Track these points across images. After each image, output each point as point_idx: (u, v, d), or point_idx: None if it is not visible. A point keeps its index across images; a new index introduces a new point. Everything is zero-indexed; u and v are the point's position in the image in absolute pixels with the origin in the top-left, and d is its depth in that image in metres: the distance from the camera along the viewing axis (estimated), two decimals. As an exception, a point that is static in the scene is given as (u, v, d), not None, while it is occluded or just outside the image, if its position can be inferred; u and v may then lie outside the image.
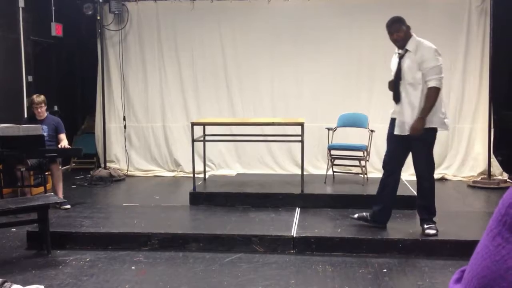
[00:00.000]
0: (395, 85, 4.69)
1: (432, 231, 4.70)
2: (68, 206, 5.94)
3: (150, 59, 8.28)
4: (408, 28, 4.69)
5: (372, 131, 6.76)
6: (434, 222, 4.78)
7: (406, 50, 4.64)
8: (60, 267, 4.36)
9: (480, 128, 7.74)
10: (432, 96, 4.50)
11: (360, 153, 6.69)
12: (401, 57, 4.67)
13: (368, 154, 6.72)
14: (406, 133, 4.60)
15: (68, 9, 8.06)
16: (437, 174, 7.83)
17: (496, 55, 7.31)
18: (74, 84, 9.24)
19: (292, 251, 4.71)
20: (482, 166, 7.70)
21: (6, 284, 3.65)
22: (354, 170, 7.03)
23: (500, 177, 7.53)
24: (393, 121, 4.77)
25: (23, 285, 3.73)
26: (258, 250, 4.72)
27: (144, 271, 4.27)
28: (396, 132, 4.70)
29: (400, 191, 6.04)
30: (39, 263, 4.47)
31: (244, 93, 8.12)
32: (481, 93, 7.69)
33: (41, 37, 8.02)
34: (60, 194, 6.04)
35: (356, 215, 5.04)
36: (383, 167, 4.97)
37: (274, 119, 6.87)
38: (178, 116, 8.30)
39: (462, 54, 7.72)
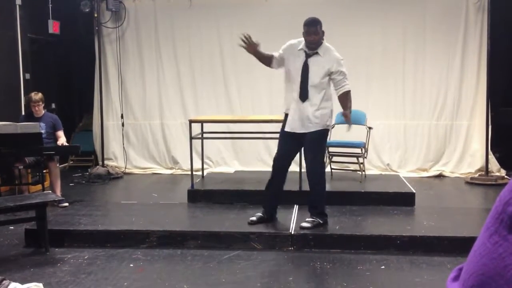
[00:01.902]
0: (303, 85, 4.76)
1: (306, 224, 4.83)
2: (66, 204, 5.93)
3: (147, 56, 8.28)
4: (323, 32, 4.82)
5: (370, 128, 6.77)
6: (316, 217, 4.89)
7: (316, 53, 4.75)
8: (58, 265, 4.35)
9: (478, 125, 7.75)
10: (350, 97, 4.84)
11: (358, 150, 6.69)
12: (308, 56, 4.77)
13: (366, 151, 6.73)
14: (305, 130, 4.77)
15: (65, 6, 8.03)
16: (435, 171, 7.89)
17: (494, 52, 7.32)
18: (72, 82, 9.22)
19: (290, 248, 4.71)
20: (479, 162, 7.72)
21: (4, 282, 3.65)
22: (352, 167, 7.04)
23: (497, 174, 7.55)
24: (287, 117, 4.86)
25: (21, 283, 3.73)
26: (257, 247, 4.72)
27: (142, 269, 4.27)
28: (291, 130, 4.81)
29: (398, 188, 6.09)
30: (37, 261, 4.47)
31: (242, 90, 8.12)
32: (479, 90, 7.70)
33: (38, 34, 8.00)
34: (58, 192, 6.04)
35: (254, 218, 5.03)
36: (275, 163, 5.03)
37: (272, 116, 6.86)
38: (176, 114, 8.29)
39: (459, 51, 7.73)
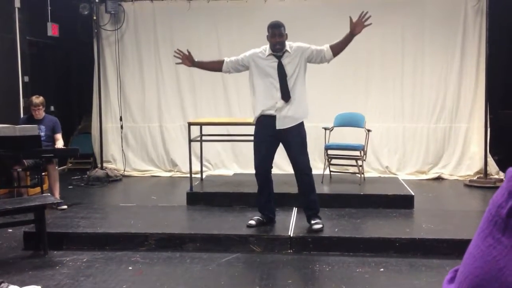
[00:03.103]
0: (283, 85, 4.80)
1: (319, 226, 4.84)
2: (65, 207, 5.93)
3: (146, 59, 8.28)
4: (287, 35, 4.93)
5: (369, 130, 6.77)
6: (319, 217, 4.95)
7: (286, 51, 4.85)
8: (57, 267, 4.35)
9: (477, 127, 7.75)
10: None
11: (357, 153, 6.69)
12: (279, 58, 4.83)
13: (365, 153, 6.73)
14: (291, 124, 4.80)
15: (64, 9, 8.04)
16: (433, 173, 7.89)
17: (492, 54, 7.33)
18: (71, 84, 9.23)
19: (289, 251, 4.71)
20: (478, 165, 7.72)
21: (3, 284, 3.65)
22: (351, 169, 7.04)
23: (496, 176, 7.55)
24: (270, 118, 4.82)
25: (20, 285, 3.73)
26: (256, 250, 4.72)
27: (141, 272, 4.27)
28: (282, 127, 4.81)
29: (396, 191, 6.09)
30: (36, 263, 4.46)
31: (241, 92, 8.10)
32: (477, 92, 7.71)
33: (37, 37, 8.01)
34: (57, 195, 6.03)
35: (253, 222, 5.04)
36: (259, 172, 5.00)
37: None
38: (174, 116, 8.29)
39: (458, 53, 7.74)
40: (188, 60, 5.03)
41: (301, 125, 4.89)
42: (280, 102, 4.80)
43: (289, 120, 4.83)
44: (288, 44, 4.90)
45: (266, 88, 4.84)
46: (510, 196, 0.62)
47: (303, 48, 4.89)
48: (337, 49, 4.89)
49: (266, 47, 4.92)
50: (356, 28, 4.79)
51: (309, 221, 4.93)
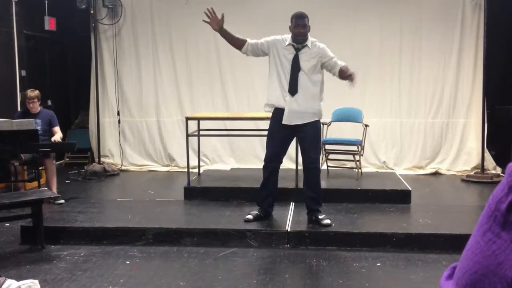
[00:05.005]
0: (293, 78, 4.78)
1: (329, 221, 4.86)
2: (62, 201, 5.92)
3: (144, 53, 8.25)
4: (310, 27, 4.89)
5: (366, 125, 6.77)
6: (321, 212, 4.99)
7: (305, 45, 4.82)
8: (54, 262, 4.35)
9: (474, 123, 7.76)
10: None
11: (354, 148, 6.70)
12: (297, 50, 4.81)
13: (363, 148, 6.73)
14: (302, 121, 4.78)
15: (61, 3, 8.01)
16: (430, 168, 7.90)
17: (490, 50, 7.33)
18: (68, 79, 9.20)
19: (286, 246, 4.72)
20: (475, 160, 7.73)
21: (0, 279, 3.64)
22: (349, 164, 7.05)
23: (493, 171, 7.56)
24: (279, 111, 4.83)
25: (17, 280, 3.72)
26: (253, 245, 4.73)
27: (138, 266, 4.27)
28: (289, 123, 4.79)
29: (394, 186, 6.10)
30: (33, 258, 4.46)
31: (238, 87, 8.10)
32: (475, 87, 7.72)
33: (34, 31, 7.97)
34: (54, 189, 6.02)
35: (251, 217, 5.04)
36: (267, 164, 5.01)
37: (268, 114, 6.85)
38: (172, 111, 8.28)
39: (456, 49, 7.74)
40: (216, 23, 4.86)
41: (317, 123, 4.88)
42: (289, 96, 4.81)
43: (297, 115, 4.79)
44: (312, 40, 4.86)
45: (279, 79, 4.84)
46: (510, 191, 0.62)
47: (324, 54, 4.83)
48: (340, 76, 4.84)
49: (287, 36, 4.88)
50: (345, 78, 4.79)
51: (314, 216, 4.92)
